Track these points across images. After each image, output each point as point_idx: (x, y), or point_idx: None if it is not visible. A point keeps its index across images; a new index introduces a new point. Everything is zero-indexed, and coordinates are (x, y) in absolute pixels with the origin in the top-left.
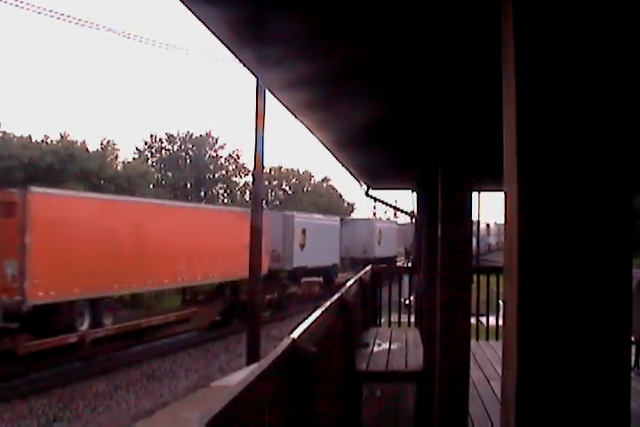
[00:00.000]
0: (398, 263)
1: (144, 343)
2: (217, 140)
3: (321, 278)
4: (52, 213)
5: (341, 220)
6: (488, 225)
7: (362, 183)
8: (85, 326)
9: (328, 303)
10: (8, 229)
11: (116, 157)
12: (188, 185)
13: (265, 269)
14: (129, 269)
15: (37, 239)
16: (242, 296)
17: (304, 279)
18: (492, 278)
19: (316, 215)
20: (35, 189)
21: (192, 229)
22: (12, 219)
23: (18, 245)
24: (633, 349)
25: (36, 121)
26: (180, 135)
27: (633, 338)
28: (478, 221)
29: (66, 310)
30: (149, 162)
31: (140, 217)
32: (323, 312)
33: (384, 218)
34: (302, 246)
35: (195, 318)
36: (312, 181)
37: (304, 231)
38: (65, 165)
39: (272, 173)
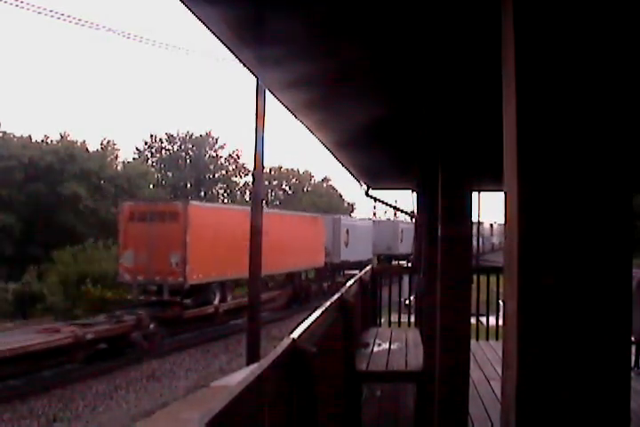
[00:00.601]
0: None
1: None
2: (217, 140)
3: (358, 271)
4: (202, 220)
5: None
6: (491, 225)
7: (362, 183)
8: (217, 300)
9: (328, 303)
10: (173, 230)
11: (116, 157)
12: (188, 185)
13: (322, 262)
14: (242, 260)
15: (193, 238)
16: (304, 283)
17: (346, 271)
18: (492, 278)
19: (356, 217)
20: (192, 202)
21: (280, 229)
22: (177, 223)
23: (180, 243)
24: (633, 349)
25: (36, 121)
26: (180, 135)
27: (633, 338)
28: (481, 222)
29: (207, 288)
30: (149, 162)
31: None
32: (323, 312)
33: (383, 218)
34: (346, 244)
35: (277, 299)
36: (312, 181)
37: (347, 231)
38: (65, 165)
39: (272, 173)
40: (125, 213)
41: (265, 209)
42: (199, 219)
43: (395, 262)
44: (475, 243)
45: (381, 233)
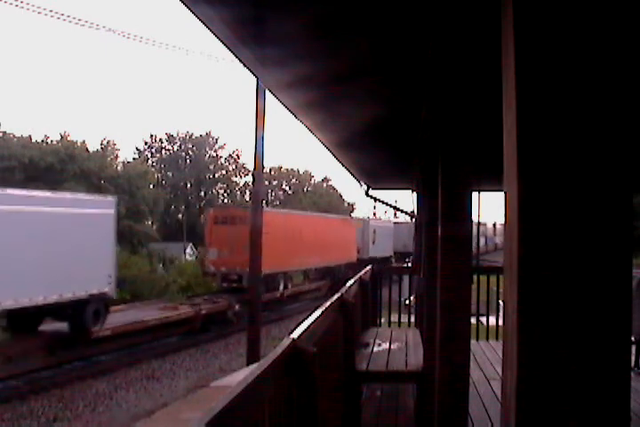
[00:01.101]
0: None
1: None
2: (217, 140)
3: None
4: (272, 223)
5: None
6: (494, 225)
7: (362, 183)
8: (281, 287)
9: (328, 303)
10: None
11: (116, 157)
12: (188, 185)
13: (354, 258)
14: (300, 255)
15: (266, 236)
16: (340, 276)
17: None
18: (492, 278)
19: (381, 219)
20: (266, 208)
21: (320, 230)
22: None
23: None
24: (633, 349)
25: (36, 121)
26: (180, 135)
27: (633, 338)
28: (485, 223)
29: (274, 278)
30: (149, 162)
31: (302, 224)
32: (323, 312)
33: (383, 218)
34: (373, 242)
35: (320, 289)
36: (312, 181)
37: (374, 231)
38: (65, 165)
39: (272, 173)
40: (211, 218)
41: (307, 213)
42: (272, 222)
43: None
44: (480, 242)
45: (399, 233)
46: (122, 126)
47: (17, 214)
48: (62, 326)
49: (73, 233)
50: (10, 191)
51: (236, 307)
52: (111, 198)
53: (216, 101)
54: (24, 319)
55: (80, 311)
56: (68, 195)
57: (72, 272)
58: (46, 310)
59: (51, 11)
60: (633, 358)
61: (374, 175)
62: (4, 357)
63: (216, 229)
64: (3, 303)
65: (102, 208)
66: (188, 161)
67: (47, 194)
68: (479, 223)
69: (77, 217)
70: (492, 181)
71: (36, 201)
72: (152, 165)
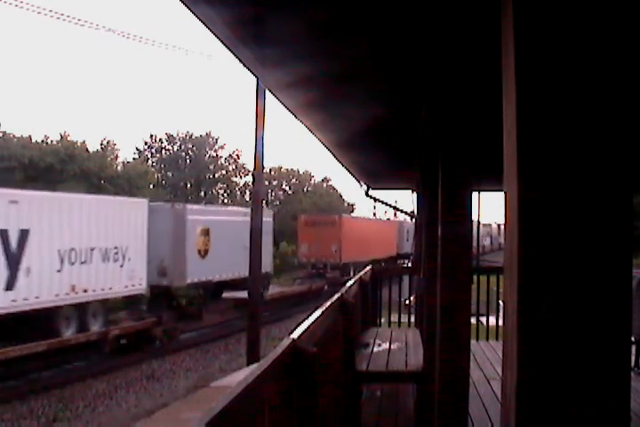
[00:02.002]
0: None
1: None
2: (217, 140)
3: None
4: (348, 226)
5: None
6: (499, 226)
7: (362, 183)
8: (352, 274)
9: (328, 303)
10: (333, 231)
11: (116, 158)
12: (188, 185)
13: (394, 253)
14: (367, 250)
15: (344, 236)
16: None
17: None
18: (492, 278)
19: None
20: (344, 215)
21: (368, 230)
22: (335, 228)
23: (337, 238)
24: (633, 349)
25: (36, 121)
26: (180, 135)
27: (633, 338)
28: (489, 223)
29: (348, 266)
30: (149, 162)
31: (364, 226)
32: (323, 312)
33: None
34: (407, 240)
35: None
36: (312, 182)
37: (407, 231)
38: (65, 166)
39: (272, 173)
40: (302, 222)
41: (366, 217)
42: (347, 225)
43: None
44: (485, 242)
45: None
46: (122, 126)
47: (225, 222)
48: (242, 293)
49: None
50: (225, 208)
51: (325, 287)
52: (271, 211)
53: (216, 101)
54: (217, 289)
55: None
56: (247, 209)
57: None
58: (234, 283)
59: (51, 11)
60: (633, 358)
61: (374, 175)
62: (206, 311)
63: (306, 231)
64: (214, 279)
65: (267, 217)
66: (188, 161)
67: (236, 208)
68: (480, 223)
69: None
70: (491, 181)
71: (233, 213)
72: (152, 165)
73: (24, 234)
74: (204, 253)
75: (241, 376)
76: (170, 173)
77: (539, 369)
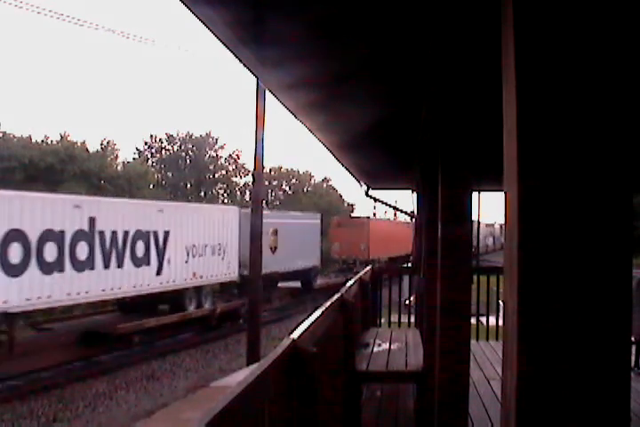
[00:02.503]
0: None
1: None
2: (217, 140)
3: None
4: (375, 227)
5: None
6: (501, 226)
7: (362, 183)
8: (376, 267)
9: (328, 303)
10: (362, 232)
11: (116, 158)
12: (188, 185)
13: (410, 251)
14: (385, 247)
15: (371, 236)
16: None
17: None
18: (492, 278)
19: None
20: (372, 218)
21: (388, 230)
22: (363, 228)
23: (365, 238)
24: (633, 349)
25: (36, 121)
26: (180, 136)
27: (633, 338)
28: (493, 223)
29: (372, 261)
30: (149, 162)
31: (387, 227)
32: (323, 312)
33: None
34: None
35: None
36: (312, 182)
37: None
38: (65, 166)
39: (272, 173)
40: (334, 223)
41: (388, 219)
42: (373, 226)
43: None
44: (488, 242)
45: None
46: (122, 126)
47: (289, 226)
48: (295, 283)
49: (306, 233)
50: (289, 213)
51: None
52: (319, 214)
53: (216, 102)
54: (282, 278)
55: (307, 275)
56: (304, 213)
57: (305, 254)
58: (289, 275)
59: (50, 11)
60: (633, 358)
61: (374, 175)
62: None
63: (338, 231)
64: (280, 270)
65: (316, 219)
66: (188, 161)
67: (298, 213)
68: (483, 224)
69: (308, 225)
70: (491, 181)
71: (296, 217)
72: (152, 166)
73: (167, 234)
74: (273, 250)
75: (241, 376)
76: (170, 174)
77: (539, 369)
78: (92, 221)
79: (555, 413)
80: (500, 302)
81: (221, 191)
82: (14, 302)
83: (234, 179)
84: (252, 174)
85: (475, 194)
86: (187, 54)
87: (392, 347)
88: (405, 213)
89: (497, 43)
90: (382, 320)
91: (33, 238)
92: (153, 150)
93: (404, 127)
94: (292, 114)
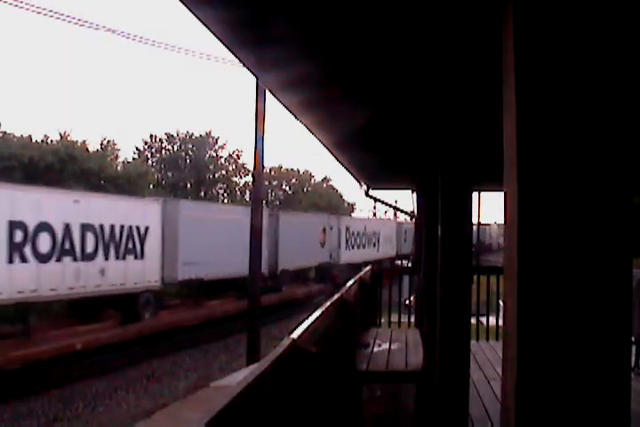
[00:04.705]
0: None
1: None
2: (217, 140)
3: None
4: (385, 226)
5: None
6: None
7: (362, 183)
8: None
9: (328, 303)
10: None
11: (116, 157)
12: (188, 185)
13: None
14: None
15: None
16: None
17: None
18: (492, 278)
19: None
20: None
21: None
22: None
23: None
24: (633, 349)
25: (36, 121)
26: (180, 135)
27: (633, 338)
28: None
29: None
30: (149, 162)
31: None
32: (323, 312)
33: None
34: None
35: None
36: (312, 181)
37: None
38: (65, 165)
39: (272, 173)
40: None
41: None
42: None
43: None
44: (500, 240)
45: (481, 232)
46: (122, 126)
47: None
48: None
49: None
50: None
51: None
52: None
53: (216, 101)
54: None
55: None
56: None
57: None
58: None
59: (51, 11)
60: (633, 359)
61: (374, 175)
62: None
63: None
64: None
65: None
66: (188, 161)
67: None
68: (497, 224)
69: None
70: (491, 181)
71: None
72: (152, 165)
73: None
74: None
75: (241, 376)
76: (170, 173)
77: (539, 369)
78: None
79: (554, 413)
80: (500, 301)
81: (221, 191)
82: None
83: (234, 179)
84: (252, 174)
85: (475, 194)
86: (186, 54)
87: (392, 347)
88: (405, 212)
89: (497, 42)
90: (382, 320)
91: None
92: (153, 150)
93: (404, 127)
94: (292, 113)
